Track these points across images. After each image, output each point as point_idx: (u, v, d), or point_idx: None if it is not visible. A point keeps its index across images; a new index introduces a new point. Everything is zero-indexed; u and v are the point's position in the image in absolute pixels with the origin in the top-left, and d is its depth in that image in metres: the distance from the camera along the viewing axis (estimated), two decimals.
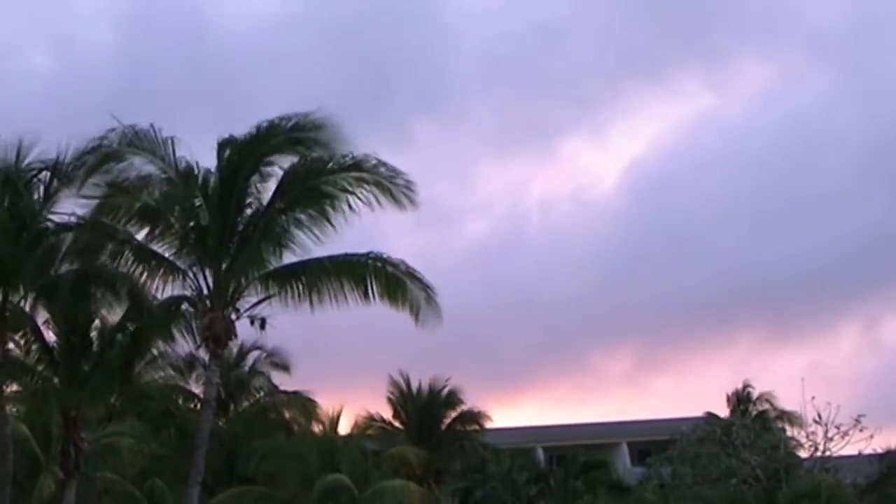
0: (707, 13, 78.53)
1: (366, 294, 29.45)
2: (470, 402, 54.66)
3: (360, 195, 29.19)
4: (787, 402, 54.73)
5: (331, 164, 29.16)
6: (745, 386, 60.08)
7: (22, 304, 28.06)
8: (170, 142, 28.99)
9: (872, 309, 77.87)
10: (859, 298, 73.33)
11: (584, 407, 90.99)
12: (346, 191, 29.19)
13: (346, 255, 29.66)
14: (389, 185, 29.03)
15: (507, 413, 79.56)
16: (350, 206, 29.29)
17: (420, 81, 73.40)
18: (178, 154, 29.15)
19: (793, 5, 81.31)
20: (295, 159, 29.34)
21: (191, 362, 45.89)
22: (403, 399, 54.62)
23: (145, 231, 29.55)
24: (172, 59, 71.04)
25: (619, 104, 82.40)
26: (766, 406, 60.20)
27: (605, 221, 77.89)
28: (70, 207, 28.39)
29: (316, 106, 28.86)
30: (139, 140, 28.80)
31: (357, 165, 29.09)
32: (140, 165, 29.08)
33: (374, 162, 29.13)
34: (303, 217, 29.43)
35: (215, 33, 77.27)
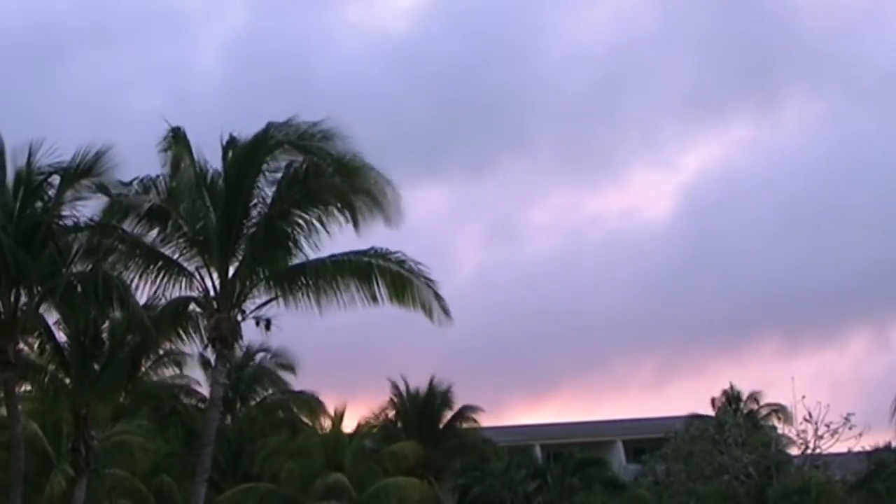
0: (761, 55, 79.67)
1: (373, 296, 29.28)
2: (466, 400, 54.77)
3: (353, 203, 28.94)
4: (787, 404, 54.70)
5: (328, 168, 28.97)
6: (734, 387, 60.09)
7: (34, 305, 27.93)
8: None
9: (882, 319, 78.54)
10: (872, 312, 73.95)
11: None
12: (339, 198, 28.99)
13: (348, 253, 29.50)
14: (378, 195, 28.84)
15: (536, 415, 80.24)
16: (344, 215, 29.08)
17: (504, 116, 76.14)
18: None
19: (839, 50, 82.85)
20: (298, 160, 29.18)
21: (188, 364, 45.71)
22: (404, 399, 54.62)
23: (154, 233, 29.43)
24: (277, 94, 71.85)
25: (677, 136, 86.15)
26: (755, 405, 60.20)
27: (656, 242, 79.71)
28: (81, 210, 28.30)
29: (326, 116, 28.83)
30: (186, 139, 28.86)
31: (349, 167, 28.84)
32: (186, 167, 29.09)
33: (364, 165, 28.87)
34: (306, 220, 29.30)
35: (319, 71, 78.63)
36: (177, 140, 28.75)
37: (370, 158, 28.65)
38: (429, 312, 29.34)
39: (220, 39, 79.70)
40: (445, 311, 29.37)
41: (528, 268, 77.45)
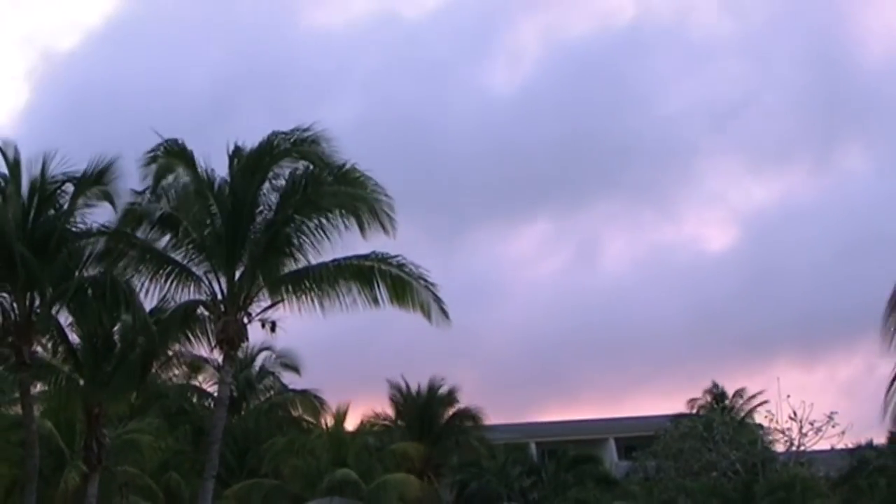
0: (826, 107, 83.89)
1: (374, 298, 29.25)
2: (466, 400, 54.78)
3: (358, 210, 28.91)
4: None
5: (325, 175, 28.93)
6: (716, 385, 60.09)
7: (47, 308, 27.92)
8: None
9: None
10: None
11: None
12: (342, 204, 28.96)
13: (350, 257, 29.48)
14: (374, 204, 28.82)
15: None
16: (347, 221, 29.05)
17: (600, 158, 79.56)
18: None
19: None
20: (300, 169, 29.17)
21: (198, 365, 45.66)
22: (404, 398, 54.59)
23: (165, 239, 29.43)
24: (406, 151, 75.63)
25: (743, 178, 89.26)
26: (739, 401, 60.18)
27: (716, 266, 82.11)
28: (93, 216, 28.30)
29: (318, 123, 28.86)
30: (181, 151, 28.81)
31: (346, 177, 28.82)
32: (182, 176, 29.08)
33: (361, 175, 28.86)
34: (309, 225, 29.27)
35: (440, 123, 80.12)
36: (168, 152, 28.64)
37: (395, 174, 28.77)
38: (427, 314, 29.29)
39: (351, 107, 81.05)
40: (444, 313, 29.32)
41: (602, 289, 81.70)
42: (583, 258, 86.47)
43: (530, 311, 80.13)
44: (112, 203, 27.90)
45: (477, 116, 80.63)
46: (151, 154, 28.66)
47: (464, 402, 54.61)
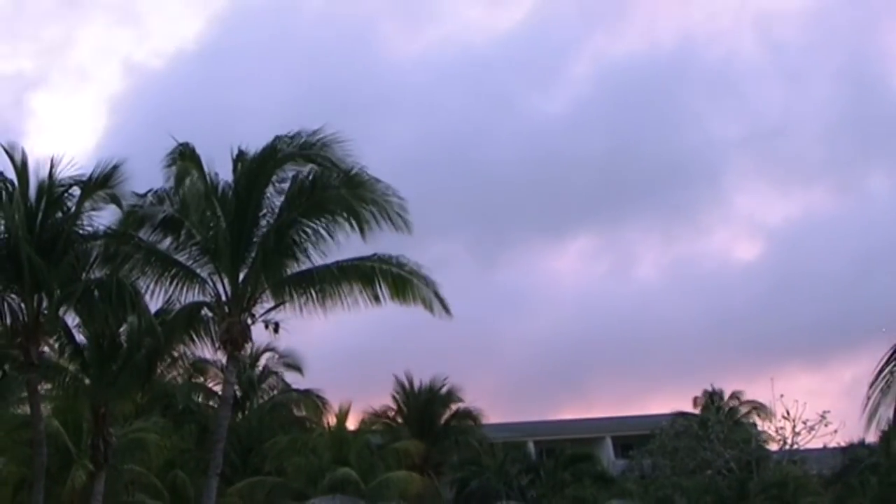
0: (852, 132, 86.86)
1: (376, 296, 29.25)
2: (468, 400, 54.78)
3: (360, 212, 28.91)
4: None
5: (333, 179, 28.93)
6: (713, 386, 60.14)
7: (54, 309, 27.92)
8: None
9: None
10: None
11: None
12: (347, 207, 28.94)
13: (352, 259, 29.49)
14: (385, 204, 28.81)
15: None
16: (350, 223, 29.04)
17: (643, 181, 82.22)
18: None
19: None
20: (304, 171, 29.16)
21: (201, 366, 45.64)
22: (406, 397, 54.59)
23: (168, 241, 29.41)
24: (458, 173, 79.98)
25: (770, 196, 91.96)
26: (736, 402, 60.23)
27: (739, 277, 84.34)
28: (99, 219, 28.29)
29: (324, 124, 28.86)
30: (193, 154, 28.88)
31: (355, 181, 28.82)
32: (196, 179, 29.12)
33: (368, 177, 28.87)
34: (312, 228, 29.27)
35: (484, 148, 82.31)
36: (183, 156, 28.70)
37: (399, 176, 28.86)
38: (429, 307, 29.30)
39: (409, 125, 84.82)
40: (445, 308, 29.38)
41: (629, 298, 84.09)
42: (617, 270, 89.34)
43: (558, 319, 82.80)
44: (119, 206, 27.89)
45: (525, 135, 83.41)
46: (171, 156, 28.71)
47: (464, 401, 54.71)
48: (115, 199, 27.69)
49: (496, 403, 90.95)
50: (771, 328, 74.08)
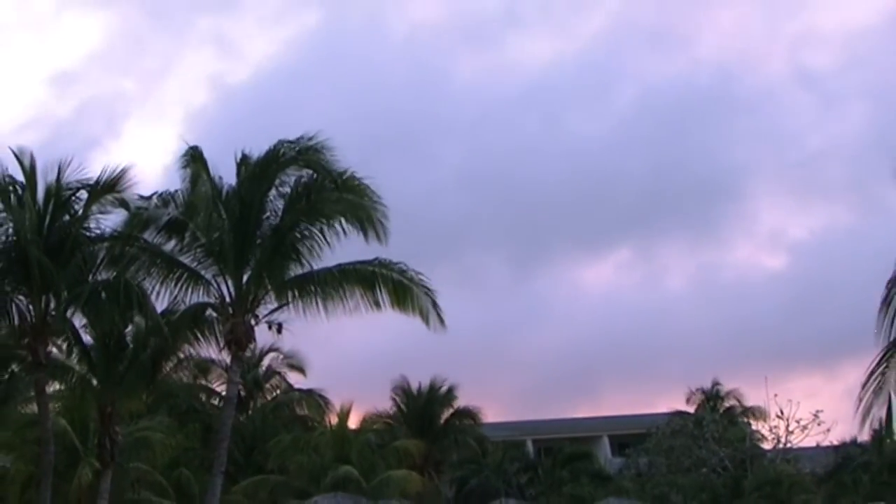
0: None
1: (376, 302, 29.23)
2: (465, 399, 54.82)
3: (348, 218, 28.93)
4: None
5: (328, 183, 28.93)
6: (714, 384, 60.13)
7: (62, 310, 27.92)
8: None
9: None
10: None
11: None
12: (339, 212, 28.96)
13: (353, 262, 29.50)
14: (371, 213, 28.82)
15: None
16: (352, 226, 29.04)
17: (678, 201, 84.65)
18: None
19: None
20: (304, 177, 29.17)
21: (206, 366, 45.66)
22: (406, 397, 54.60)
23: (173, 243, 29.41)
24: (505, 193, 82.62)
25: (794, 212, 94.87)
26: (734, 402, 60.25)
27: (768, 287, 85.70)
28: (106, 221, 28.29)
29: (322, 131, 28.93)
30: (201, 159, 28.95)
31: (347, 184, 28.83)
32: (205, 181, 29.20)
33: (360, 183, 28.88)
34: (313, 231, 29.27)
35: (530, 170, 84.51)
36: (194, 158, 28.76)
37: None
38: (426, 318, 29.27)
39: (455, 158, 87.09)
40: (441, 319, 29.32)
41: (659, 304, 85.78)
42: (645, 282, 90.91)
43: (582, 327, 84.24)
44: (128, 209, 27.92)
45: (569, 154, 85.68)
46: (185, 158, 28.80)
47: (463, 401, 54.76)
48: (123, 204, 27.70)
49: (512, 405, 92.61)
50: (786, 336, 76.02)
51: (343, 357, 62.74)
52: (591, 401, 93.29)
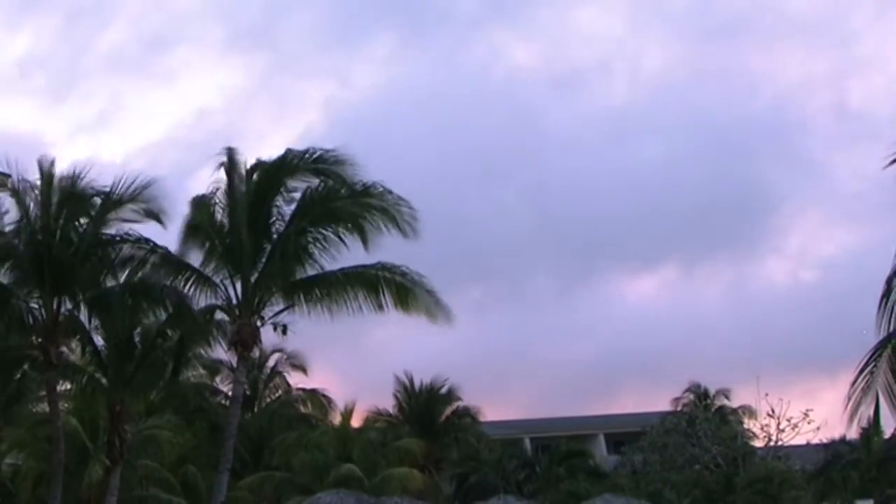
0: None
1: (379, 304, 29.25)
2: (465, 398, 54.82)
3: (369, 220, 28.95)
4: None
5: (343, 190, 28.99)
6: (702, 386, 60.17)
7: (74, 312, 27.93)
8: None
9: None
10: None
11: None
12: (356, 215, 28.97)
13: (357, 266, 29.51)
14: (395, 213, 28.83)
15: None
16: (360, 230, 29.06)
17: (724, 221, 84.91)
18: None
19: None
20: (314, 185, 29.21)
21: (216, 367, 45.62)
22: (407, 396, 54.58)
23: (185, 247, 29.43)
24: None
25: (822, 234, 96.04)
26: (724, 401, 60.23)
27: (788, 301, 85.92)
28: (120, 227, 28.30)
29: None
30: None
31: (366, 192, 28.91)
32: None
33: (381, 189, 28.94)
34: (320, 236, 29.28)
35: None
36: (230, 163, 28.92)
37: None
38: (432, 316, 29.31)
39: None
40: (447, 315, 29.40)
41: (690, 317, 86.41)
42: (682, 297, 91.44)
43: (610, 337, 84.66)
44: (160, 221, 27.98)
45: (624, 176, 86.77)
46: (221, 162, 29.16)
47: (463, 400, 54.76)
48: (152, 215, 27.72)
49: (534, 407, 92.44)
50: (802, 345, 76.13)
51: (385, 368, 63.90)
52: (606, 405, 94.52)
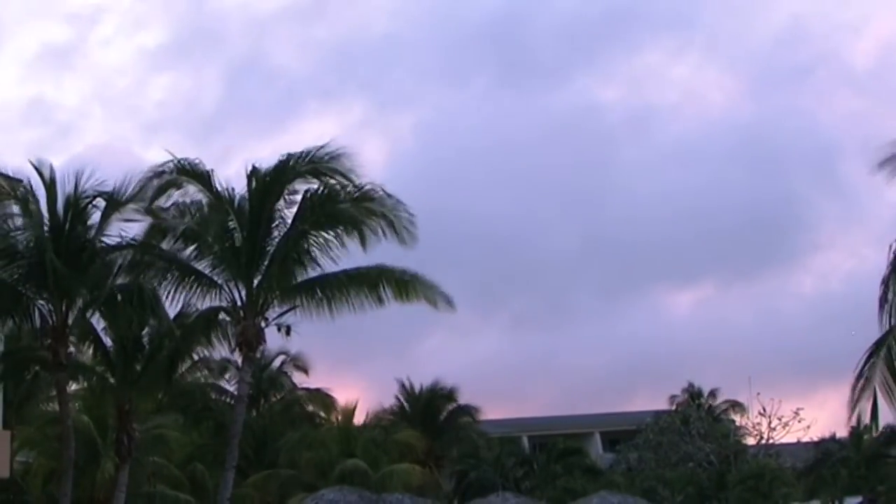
0: None
1: (379, 299, 29.16)
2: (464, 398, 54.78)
3: (368, 224, 28.86)
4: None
5: (344, 193, 28.87)
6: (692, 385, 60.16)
7: (82, 314, 27.87)
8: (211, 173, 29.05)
9: None
10: None
11: None
12: (356, 219, 28.86)
13: (358, 267, 29.42)
14: (393, 219, 28.73)
15: None
16: (360, 234, 28.96)
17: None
18: (216, 183, 29.17)
19: None
20: (314, 186, 29.11)
21: (225, 365, 45.58)
22: (409, 394, 54.54)
23: (188, 251, 29.36)
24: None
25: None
26: (717, 400, 60.23)
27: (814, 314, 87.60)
28: (123, 229, 28.20)
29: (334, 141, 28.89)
30: (192, 170, 28.81)
31: (366, 196, 28.80)
32: (193, 193, 29.11)
33: (381, 193, 28.82)
34: (321, 239, 29.20)
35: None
36: (179, 170, 28.61)
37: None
38: (433, 303, 29.23)
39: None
40: (449, 302, 29.32)
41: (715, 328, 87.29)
42: (711, 311, 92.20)
43: (632, 346, 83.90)
44: (158, 218, 27.87)
45: (668, 198, 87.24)
46: (158, 170, 28.43)
47: (463, 399, 54.70)
48: (151, 213, 27.63)
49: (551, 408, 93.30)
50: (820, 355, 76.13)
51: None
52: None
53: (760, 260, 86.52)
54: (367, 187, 28.60)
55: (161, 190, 28.26)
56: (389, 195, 28.62)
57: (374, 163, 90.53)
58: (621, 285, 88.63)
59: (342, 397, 50.82)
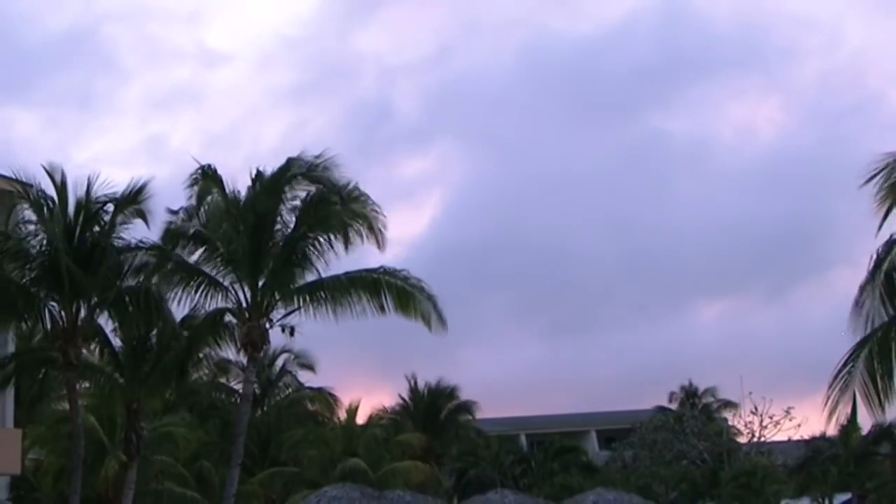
0: None
1: (381, 307, 29.09)
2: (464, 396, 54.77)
3: (354, 228, 28.86)
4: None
5: (334, 197, 28.85)
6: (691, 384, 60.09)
7: (91, 315, 27.84)
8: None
9: None
10: None
11: None
12: (344, 222, 28.86)
13: (360, 270, 29.38)
14: (372, 223, 28.73)
15: None
16: (346, 237, 28.93)
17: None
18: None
19: None
20: (311, 191, 29.10)
21: (225, 365, 45.55)
22: (410, 394, 54.53)
23: (197, 253, 29.34)
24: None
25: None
26: (711, 399, 60.19)
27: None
28: (133, 232, 28.19)
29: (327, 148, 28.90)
30: (213, 175, 28.88)
31: (354, 198, 28.78)
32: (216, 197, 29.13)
33: (364, 198, 28.80)
34: (316, 242, 29.17)
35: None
36: (205, 176, 28.73)
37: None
38: (428, 322, 29.11)
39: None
40: (442, 321, 29.14)
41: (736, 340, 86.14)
42: (731, 324, 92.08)
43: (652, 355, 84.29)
44: (145, 220, 27.80)
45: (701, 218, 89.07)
46: (193, 177, 28.86)
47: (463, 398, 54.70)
48: (141, 214, 27.60)
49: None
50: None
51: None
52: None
53: (793, 274, 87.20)
54: (355, 192, 28.55)
55: (201, 197, 28.42)
56: (367, 195, 28.69)
57: (454, 185, 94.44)
58: (657, 300, 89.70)
59: (367, 399, 50.87)
